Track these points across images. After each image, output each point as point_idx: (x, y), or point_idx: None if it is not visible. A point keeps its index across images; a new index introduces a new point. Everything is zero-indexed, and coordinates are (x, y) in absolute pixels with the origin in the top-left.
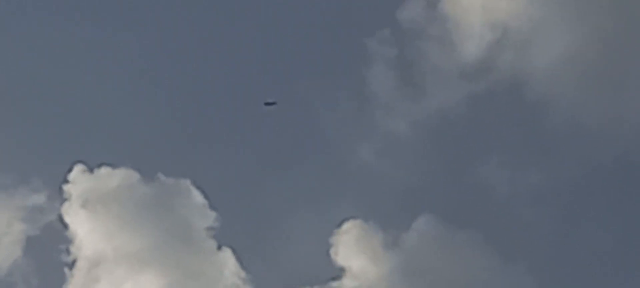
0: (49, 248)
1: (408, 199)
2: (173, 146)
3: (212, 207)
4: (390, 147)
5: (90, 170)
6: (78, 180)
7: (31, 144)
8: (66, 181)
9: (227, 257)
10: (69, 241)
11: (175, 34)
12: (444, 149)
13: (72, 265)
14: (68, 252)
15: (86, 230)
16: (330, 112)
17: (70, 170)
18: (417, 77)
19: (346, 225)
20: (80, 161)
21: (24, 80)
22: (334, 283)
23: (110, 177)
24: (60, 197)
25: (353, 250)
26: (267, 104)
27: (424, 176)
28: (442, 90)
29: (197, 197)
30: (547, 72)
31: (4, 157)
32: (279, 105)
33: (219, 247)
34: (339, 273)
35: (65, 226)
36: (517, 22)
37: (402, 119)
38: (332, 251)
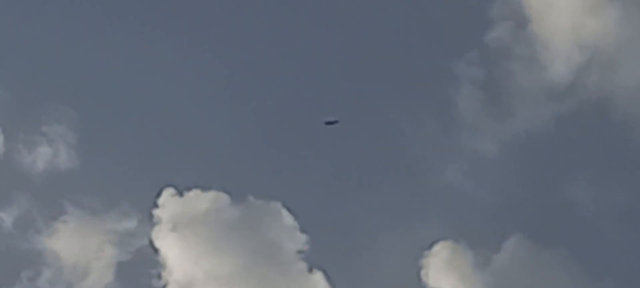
0: (140, 273)
1: (497, 219)
2: (263, 168)
3: (303, 229)
4: (477, 167)
5: (180, 193)
6: (168, 204)
7: (121, 166)
8: (156, 205)
9: (318, 280)
10: (159, 265)
11: (264, 54)
12: (531, 169)
13: None
14: (159, 276)
15: (176, 253)
16: (418, 133)
17: (159, 193)
18: (505, 98)
19: (436, 247)
20: (170, 185)
21: (112, 102)
22: None
23: (200, 200)
24: (150, 221)
25: (443, 271)
26: (328, 123)
27: (512, 196)
28: (529, 111)
29: (288, 218)
30: (635, 91)
31: (94, 181)
32: (368, 128)
33: (310, 270)
34: None
35: (155, 250)
36: (606, 42)
37: (489, 140)
38: (422, 273)
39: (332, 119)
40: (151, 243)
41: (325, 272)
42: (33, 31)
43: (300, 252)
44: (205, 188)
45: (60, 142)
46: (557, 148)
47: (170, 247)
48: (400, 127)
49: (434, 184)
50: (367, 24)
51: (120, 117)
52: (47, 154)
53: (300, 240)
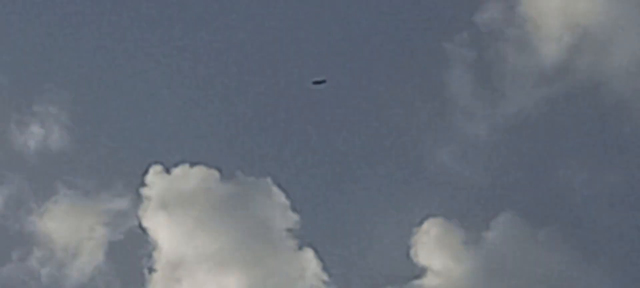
0: (131, 253)
1: (488, 198)
2: (253, 144)
3: (293, 206)
4: (469, 149)
5: (167, 170)
6: (155, 182)
7: (114, 146)
8: (143, 183)
9: (309, 258)
10: (150, 244)
11: (255, 32)
12: (522, 151)
13: (153, 268)
14: (149, 255)
15: (166, 232)
16: (409, 115)
17: (146, 171)
18: (496, 80)
19: (426, 224)
20: (157, 161)
21: (103, 81)
22: (416, 282)
23: (188, 177)
24: (141, 200)
25: (434, 248)
26: (316, 82)
27: (503, 177)
28: (520, 92)
29: (278, 196)
30: (626, 73)
31: (86, 161)
32: (360, 109)
33: (300, 247)
34: (420, 272)
35: (145, 229)
36: (596, 24)
37: (480, 122)
38: (412, 251)
39: (319, 79)
40: (141, 222)
41: (315, 250)
42: (25, 13)
43: (290, 229)
44: (193, 163)
45: (53, 122)
46: (548, 130)
47: (160, 226)
48: (391, 108)
49: (425, 165)
50: (356, 7)
51: (110, 95)
52: (39, 134)
53: (291, 218)
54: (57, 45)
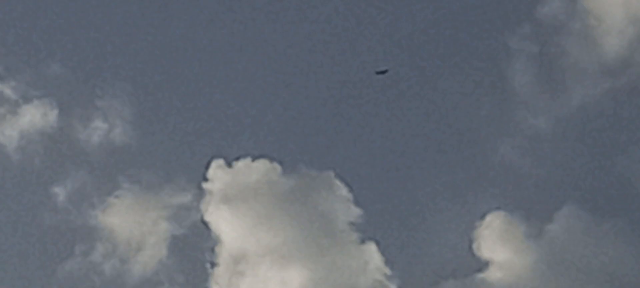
0: (194, 247)
1: (550, 191)
2: (315, 137)
3: (356, 200)
4: (531, 143)
5: (229, 164)
6: (217, 176)
7: (177, 140)
8: (205, 178)
9: (371, 251)
10: (212, 238)
11: (318, 24)
12: (585, 144)
13: (215, 262)
14: (212, 249)
15: (228, 226)
16: (472, 108)
17: (208, 165)
18: (558, 73)
19: (489, 217)
20: (219, 155)
21: (166, 75)
22: (478, 276)
23: (250, 170)
24: (203, 194)
25: (496, 242)
26: (378, 72)
27: (566, 169)
28: (583, 86)
29: (341, 189)
30: None
31: (149, 155)
32: (422, 102)
33: (363, 241)
34: (482, 265)
35: (207, 223)
36: None
37: (543, 115)
38: (475, 244)
39: (382, 69)
40: (203, 217)
41: (378, 244)
42: (89, 7)
43: (352, 223)
44: (254, 157)
45: (116, 117)
46: (611, 123)
47: (222, 220)
48: (454, 101)
49: (487, 158)
50: (419, 1)
51: (173, 90)
52: (103, 129)
53: (353, 212)
54: (120, 40)
